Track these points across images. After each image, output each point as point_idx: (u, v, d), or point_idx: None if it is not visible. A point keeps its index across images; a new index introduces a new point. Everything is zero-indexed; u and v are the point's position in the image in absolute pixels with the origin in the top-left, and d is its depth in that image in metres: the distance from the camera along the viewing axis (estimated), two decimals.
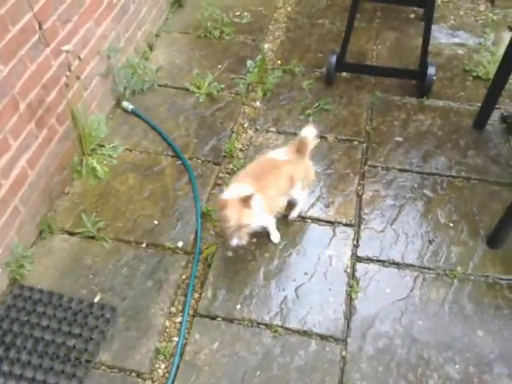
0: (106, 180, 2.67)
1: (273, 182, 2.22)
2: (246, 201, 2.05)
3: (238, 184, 2.19)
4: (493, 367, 1.99)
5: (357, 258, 2.36)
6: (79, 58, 2.58)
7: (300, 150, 2.31)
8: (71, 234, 2.44)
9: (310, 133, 2.26)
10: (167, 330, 2.13)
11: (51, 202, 2.52)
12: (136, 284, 2.25)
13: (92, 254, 2.36)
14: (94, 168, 2.67)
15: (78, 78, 2.60)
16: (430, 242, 2.40)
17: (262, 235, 2.43)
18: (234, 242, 2.14)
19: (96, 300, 2.19)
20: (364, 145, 2.88)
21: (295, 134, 2.90)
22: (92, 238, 2.42)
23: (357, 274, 2.29)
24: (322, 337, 2.09)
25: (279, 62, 3.41)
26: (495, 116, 2.96)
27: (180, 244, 2.41)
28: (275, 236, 2.43)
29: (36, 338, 2.05)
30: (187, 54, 3.44)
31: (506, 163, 2.75)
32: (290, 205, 2.47)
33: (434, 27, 3.52)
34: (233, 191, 2.12)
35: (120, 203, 2.57)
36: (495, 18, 3.76)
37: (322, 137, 2.89)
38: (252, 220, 2.13)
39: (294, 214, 2.51)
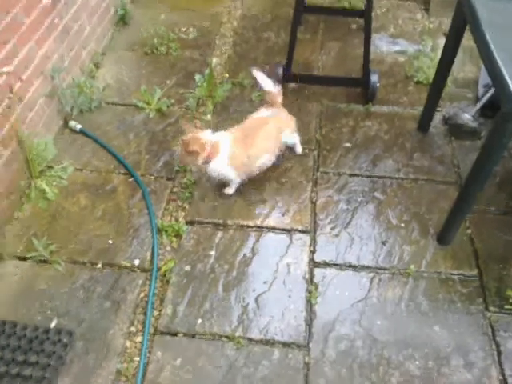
0: (57, 202, 2.60)
1: (259, 141, 2.57)
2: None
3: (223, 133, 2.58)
4: (450, 360, 2.05)
5: (314, 264, 2.39)
6: (21, 79, 2.52)
7: (274, 102, 2.69)
8: (22, 259, 2.35)
9: (269, 85, 2.67)
10: (128, 350, 2.08)
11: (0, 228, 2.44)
12: (93, 306, 2.20)
13: (45, 279, 2.28)
14: (43, 190, 2.60)
15: (20, 99, 2.54)
16: (384, 243, 2.46)
17: (220, 246, 2.43)
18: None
19: (52, 325, 2.12)
20: (315, 152, 2.93)
21: None
22: (45, 261, 2.34)
23: (315, 280, 2.32)
24: (285, 344, 2.10)
25: (227, 75, 3.44)
26: (437, 118, 3.09)
27: (137, 262, 2.37)
28: (230, 189, 2.67)
29: None
30: (135, 71, 3.42)
31: (450, 163, 2.87)
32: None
33: (375, 36, 3.68)
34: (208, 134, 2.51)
35: (72, 225, 2.51)
36: (431, 25, 3.93)
37: None
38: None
39: (298, 150, 2.89)
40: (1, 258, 2.34)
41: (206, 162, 2.49)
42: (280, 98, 2.72)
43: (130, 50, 3.60)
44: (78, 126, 2.97)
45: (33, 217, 2.53)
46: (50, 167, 2.72)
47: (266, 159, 2.64)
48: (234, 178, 2.60)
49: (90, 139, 2.94)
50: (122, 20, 3.79)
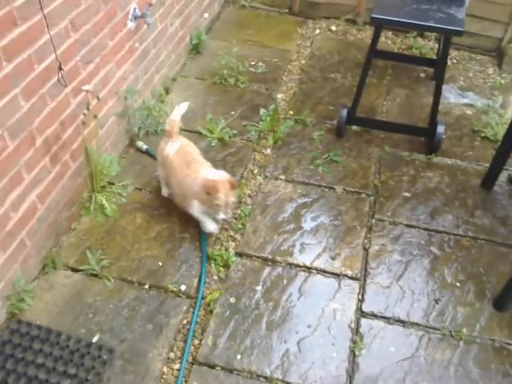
0: (114, 218, 2.67)
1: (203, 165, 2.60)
2: (233, 183, 2.43)
3: (211, 170, 2.55)
4: None
5: (361, 313, 2.32)
6: (98, 97, 2.64)
7: (172, 132, 2.67)
8: (74, 270, 2.42)
9: (176, 116, 2.69)
10: (164, 376, 2.08)
11: (57, 237, 2.52)
12: (136, 326, 2.22)
13: (94, 293, 2.33)
14: (102, 205, 2.68)
15: (95, 116, 2.65)
16: (436, 301, 2.37)
17: (267, 282, 2.41)
18: (222, 216, 2.45)
19: (94, 340, 2.15)
20: (372, 198, 2.89)
21: (304, 183, 2.94)
22: (95, 275, 2.40)
23: (361, 330, 2.25)
24: None
25: (291, 112, 3.48)
26: (503, 177, 2.98)
27: (183, 287, 2.39)
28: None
29: (29, 376, 2.00)
30: (202, 99, 3.52)
31: None
32: None
33: (444, 87, 3.60)
34: (216, 175, 2.48)
35: (126, 242, 2.57)
36: (503, 81, 3.85)
37: (330, 188, 2.92)
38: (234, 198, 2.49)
39: None
40: (54, 267, 2.41)
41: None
42: (178, 128, 2.73)
43: (199, 78, 3.71)
44: (145, 147, 3.07)
45: (89, 230, 2.61)
46: (112, 183, 2.81)
47: None
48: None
49: (152, 160, 3.02)
50: (196, 49, 3.93)
